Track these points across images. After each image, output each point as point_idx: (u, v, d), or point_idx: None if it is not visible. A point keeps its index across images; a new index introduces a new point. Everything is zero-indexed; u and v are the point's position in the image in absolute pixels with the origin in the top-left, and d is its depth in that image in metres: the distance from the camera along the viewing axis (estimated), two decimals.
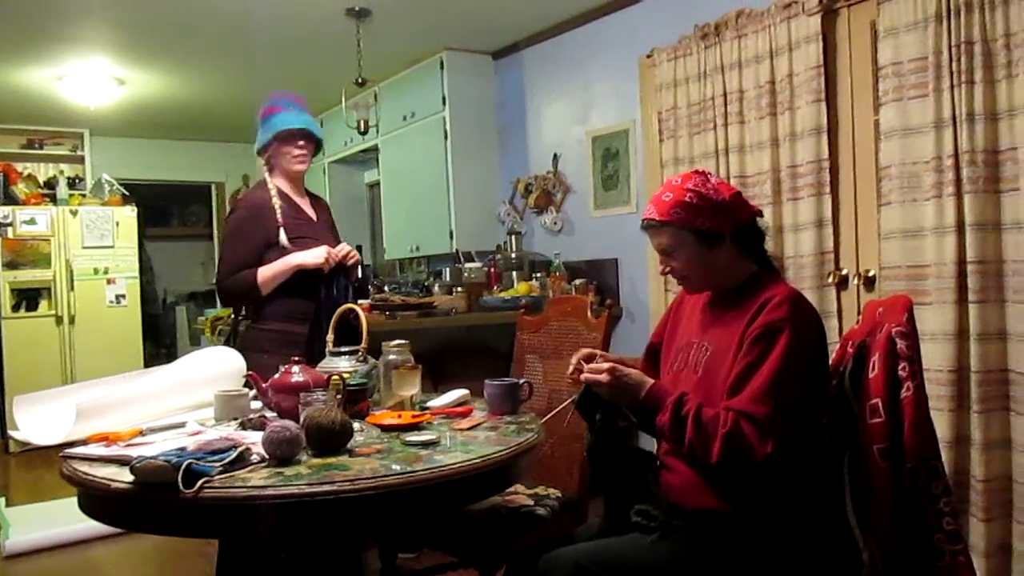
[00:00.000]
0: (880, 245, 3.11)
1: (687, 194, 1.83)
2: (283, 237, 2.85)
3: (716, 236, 1.84)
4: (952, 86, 2.83)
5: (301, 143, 2.96)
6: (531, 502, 2.46)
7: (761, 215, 1.95)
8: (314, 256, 2.84)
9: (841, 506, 1.71)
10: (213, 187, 8.36)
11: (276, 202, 2.89)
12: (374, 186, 6.86)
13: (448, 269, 5.21)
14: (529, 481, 2.57)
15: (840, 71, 3.34)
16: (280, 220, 2.86)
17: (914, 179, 2.95)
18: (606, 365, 1.81)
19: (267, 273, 2.82)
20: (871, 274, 3.25)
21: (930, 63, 2.88)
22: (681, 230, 1.84)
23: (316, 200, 3.13)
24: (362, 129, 5.11)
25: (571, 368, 1.89)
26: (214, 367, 2.39)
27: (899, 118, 2.99)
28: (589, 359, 1.89)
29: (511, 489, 2.46)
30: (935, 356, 2.85)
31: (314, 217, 3.04)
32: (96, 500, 1.70)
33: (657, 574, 1.72)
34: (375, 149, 6.10)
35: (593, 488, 2.53)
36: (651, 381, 1.81)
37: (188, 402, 2.28)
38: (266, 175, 2.98)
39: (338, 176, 7.07)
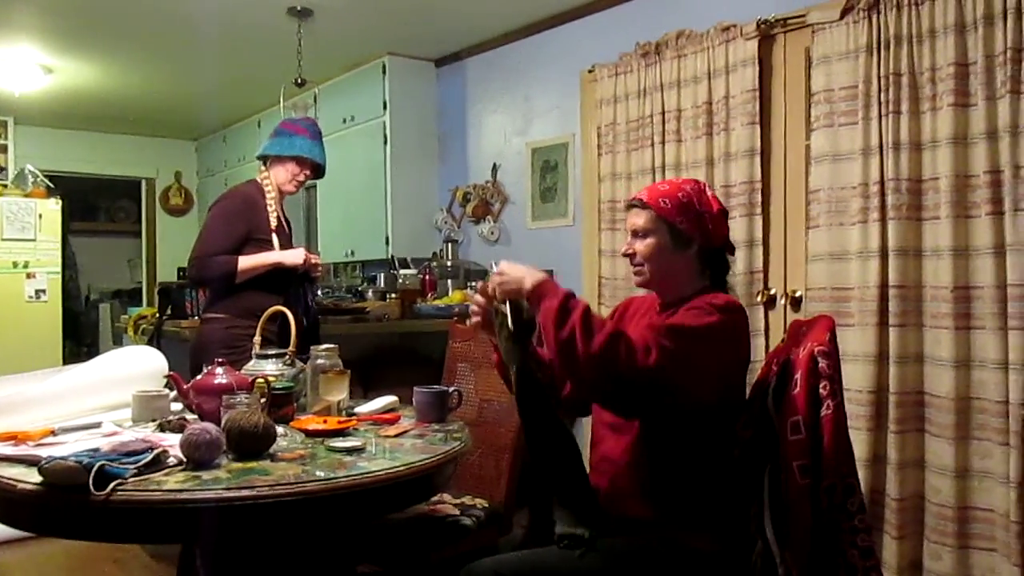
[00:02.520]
0: (807, 267, 3.18)
1: (680, 192, 1.89)
2: (275, 241, 3.07)
3: (687, 240, 1.88)
4: (880, 115, 2.92)
5: (308, 172, 3.20)
6: (457, 512, 2.44)
7: (732, 250, 1.98)
8: (293, 256, 3.06)
9: (760, 520, 1.74)
10: (143, 183, 8.13)
11: (273, 204, 3.10)
12: (310, 188, 6.75)
13: (383, 275, 5.17)
14: (455, 491, 2.55)
15: (775, 95, 3.42)
16: (274, 224, 3.09)
17: (841, 204, 3.04)
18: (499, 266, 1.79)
19: (248, 263, 2.99)
20: (798, 294, 3.32)
21: (860, 92, 2.97)
22: (660, 219, 1.87)
23: (286, 217, 3.31)
24: None
25: (475, 298, 1.87)
26: (133, 366, 2.33)
27: (829, 144, 3.07)
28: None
29: (437, 498, 2.45)
30: (856, 377, 2.92)
31: (287, 230, 3.25)
32: (1, 502, 1.63)
33: None
34: None
35: (519, 500, 2.53)
36: (543, 274, 1.77)
37: (105, 402, 2.21)
38: (265, 177, 3.16)
39: None
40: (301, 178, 3.17)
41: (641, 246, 1.90)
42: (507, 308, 1.79)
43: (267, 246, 3.04)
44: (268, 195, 3.11)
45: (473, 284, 4.62)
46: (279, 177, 3.14)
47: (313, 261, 3.12)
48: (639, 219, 1.90)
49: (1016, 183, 2.60)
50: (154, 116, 7.03)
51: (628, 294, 3.85)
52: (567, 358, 1.65)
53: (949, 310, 2.76)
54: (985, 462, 2.71)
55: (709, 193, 1.93)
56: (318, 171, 3.25)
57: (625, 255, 1.96)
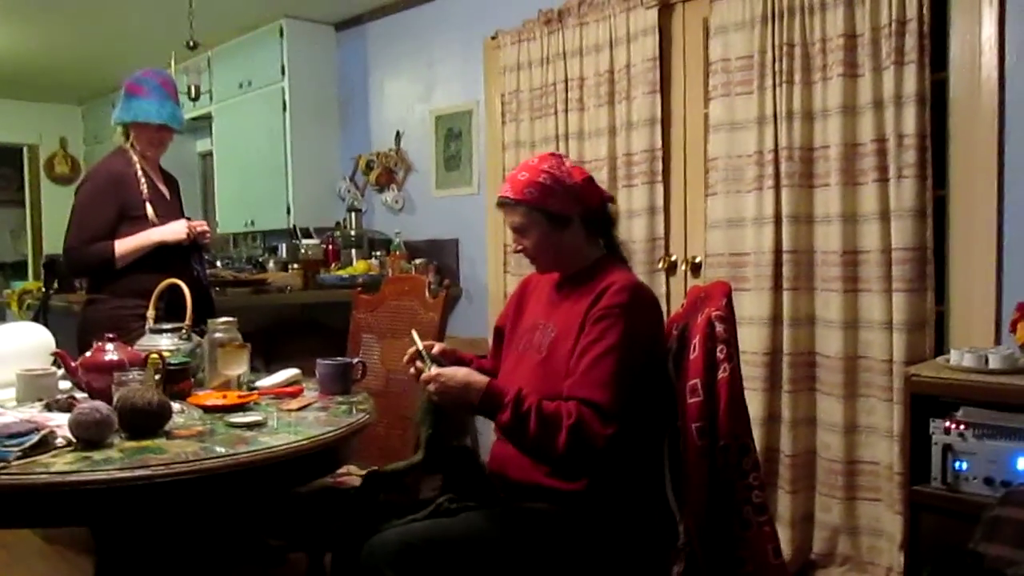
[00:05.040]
0: (706, 233, 3.26)
1: (541, 175, 1.87)
2: (150, 211, 2.86)
3: (565, 219, 1.89)
4: (774, 85, 2.99)
5: (161, 133, 2.95)
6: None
7: (612, 201, 2.01)
8: (174, 232, 2.86)
9: (660, 481, 1.79)
10: (25, 149, 7.69)
11: (141, 175, 2.88)
12: (207, 156, 6.53)
13: (284, 245, 5.06)
14: (362, 462, 2.53)
15: (675, 64, 3.47)
16: (146, 193, 2.87)
17: (738, 171, 3.12)
18: (433, 371, 1.77)
19: (126, 247, 2.80)
20: (697, 260, 3.41)
21: (755, 62, 3.04)
22: (533, 210, 1.87)
23: (167, 177, 3.10)
24: (193, 95, 4.85)
25: (406, 359, 1.88)
26: (17, 343, 2.22)
27: (726, 113, 3.14)
28: (427, 349, 1.87)
29: (343, 470, 2.42)
30: (752, 339, 3.02)
31: (167, 194, 3.02)
32: None
33: (485, 548, 1.73)
34: (208, 117, 5.80)
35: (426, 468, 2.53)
36: (484, 382, 1.76)
37: None
38: (127, 146, 2.94)
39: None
40: (155, 142, 2.94)
41: (527, 241, 1.92)
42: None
43: (143, 221, 2.84)
44: (134, 164, 2.90)
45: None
46: (139, 142, 2.92)
47: (199, 229, 2.91)
48: (515, 217, 1.90)
49: (900, 151, 2.71)
50: (36, 80, 6.63)
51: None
52: (539, 459, 1.79)
53: (838, 273, 2.87)
54: (871, 418, 2.85)
55: (568, 164, 1.94)
56: (169, 128, 2.96)
57: (516, 252, 1.97)
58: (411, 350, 1.88)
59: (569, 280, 1.95)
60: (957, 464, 2.30)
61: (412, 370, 1.86)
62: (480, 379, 1.77)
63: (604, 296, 1.80)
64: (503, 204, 1.92)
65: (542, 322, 1.94)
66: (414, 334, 1.92)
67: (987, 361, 2.31)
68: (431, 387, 1.76)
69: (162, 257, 2.83)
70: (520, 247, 1.94)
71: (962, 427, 2.30)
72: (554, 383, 1.79)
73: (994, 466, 2.24)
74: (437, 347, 1.94)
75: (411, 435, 2.55)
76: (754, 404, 2.96)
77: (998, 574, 1.33)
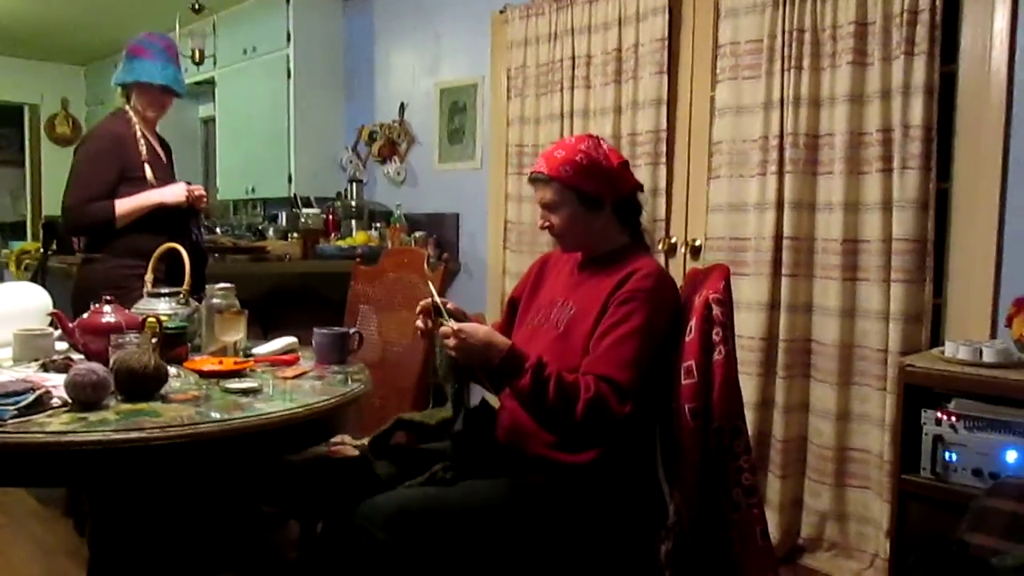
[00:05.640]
0: (707, 216, 3.26)
1: (578, 154, 1.86)
2: (149, 173, 2.87)
3: (598, 201, 1.89)
4: (783, 70, 2.98)
5: (162, 96, 2.96)
6: (357, 453, 2.44)
7: (642, 189, 2.01)
8: (174, 194, 2.88)
9: (652, 461, 1.80)
10: (26, 109, 7.65)
11: (141, 138, 2.90)
12: (209, 121, 6.50)
13: (284, 214, 5.06)
14: (357, 432, 2.54)
15: (683, 46, 3.44)
16: (145, 155, 2.88)
17: (742, 156, 3.11)
18: (453, 326, 1.74)
19: (126, 207, 2.81)
20: (697, 243, 3.40)
21: (765, 46, 3.02)
22: (566, 188, 1.86)
23: (162, 141, 3.10)
24: (197, 59, 4.83)
25: (419, 310, 1.85)
26: (14, 303, 2.22)
27: (733, 96, 3.13)
28: (432, 310, 1.84)
29: (338, 440, 2.43)
30: (749, 324, 3.03)
31: (163, 158, 3.04)
32: None
33: (481, 517, 1.73)
34: (211, 82, 5.77)
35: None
36: (506, 343, 1.74)
37: None
38: (127, 108, 2.95)
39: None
40: (156, 104, 2.95)
41: (555, 219, 1.91)
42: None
43: (141, 183, 2.85)
44: (134, 126, 2.91)
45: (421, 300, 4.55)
46: (140, 103, 2.93)
47: (197, 194, 2.92)
48: (546, 193, 1.89)
49: (905, 142, 2.70)
50: (37, 38, 6.59)
51: (533, 238, 3.89)
52: (553, 429, 1.78)
53: (838, 262, 2.87)
54: (864, 406, 2.86)
55: (605, 147, 1.93)
56: (170, 91, 2.97)
57: (543, 228, 1.95)
58: (424, 302, 1.84)
59: (593, 261, 1.95)
60: (947, 455, 2.31)
61: (420, 323, 1.83)
62: (502, 340, 1.75)
63: (631, 280, 1.80)
64: (536, 180, 1.91)
65: (561, 299, 1.94)
66: (431, 286, 1.88)
67: (982, 354, 2.32)
68: (451, 342, 1.72)
69: (161, 219, 2.84)
70: (547, 223, 1.93)
71: (953, 419, 2.31)
72: (569, 359, 1.79)
73: (983, 458, 2.26)
74: (449, 304, 1.90)
75: (417, 393, 2.56)
76: (748, 389, 2.97)
77: (982, 562, 1.35)
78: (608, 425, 1.71)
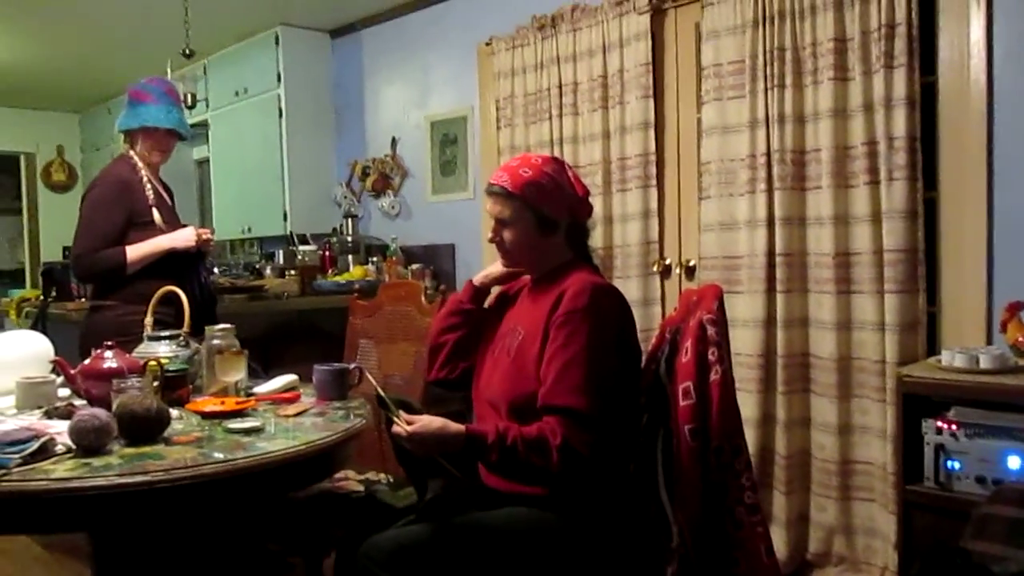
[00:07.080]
0: (700, 236, 3.28)
1: (544, 177, 1.87)
2: (157, 216, 2.88)
3: (554, 224, 1.89)
4: (766, 89, 3.02)
5: (167, 139, 2.98)
6: (361, 488, 2.45)
7: (591, 213, 2.01)
8: (185, 238, 2.90)
9: (654, 482, 1.81)
10: (22, 158, 7.70)
11: (147, 182, 2.91)
12: (203, 163, 6.55)
13: (281, 251, 5.07)
14: (360, 467, 2.55)
15: (667, 69, 3.49)
16: (152, 199, 2.90)
17: (731, 175, 3.14)
18: (405, 427, 1.69)
19: (137, 253, 2.81)
20: (691, 264, 3.43)
21: (747, 66, 3.06)
22: (526, 208, 1.86)
23: (164, 184, 3.12)
24: (189, 103, 4.86)
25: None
26: (16, 352, 2.23)
27: (719, 116, 3.16)
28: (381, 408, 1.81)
29: (341, 475, 2.44)
30: (746, 341, 3.05)
31: (168, 201, 3.05)
32: None
33: (479, 549, 1.74)
34: (204, 125, 5.82)
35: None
36: (461, 430, 1.70)
37: None
38: (132, 153, 2.96)
39: None
40: (161, 147, 2.97)
41: (508, 234, 1.91)
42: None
43: (150, 227, 2.86)
44: (139, 171, 2.92)
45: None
46: (145, 148, 2.95)
47: (204, 237, 2.94)
48: (504, 208, 1.88)
49: (890, 154, 2.74)
50: (32, 87, 6.66)
51: None
52: (538, 484, 1.76)
53: (831, 275, 2.89)
54: (864, 418, 2.87)
55: (570, 173, 1.93)
56: (176, 135, 3.00)
57: (491, 241, 1.95)
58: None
59: (537, 283, 1.96)
60: (949, 463, 2.32)
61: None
62: (456, 428, 1.71)
63: (563, 300, 1.79)
64: (495, 192, 1.89)
65: (513, 326, 1.95)
66: (373, 382, 1.87)
67: (978, 361, 2.33)
68: (407, 446, 1.71)
69: (170, 264, 2.85)
70: (498, 237, 1.93)
71: (954, 427, 2.31)
72: (522, 385, 1.80)
73: (985, 465, 2.26)
74: (395, 396, 1.87)
75: None
76: (749, 405, 2.98)
77: (985, 570, 1.35)
78: (583, 459, 1.71)
